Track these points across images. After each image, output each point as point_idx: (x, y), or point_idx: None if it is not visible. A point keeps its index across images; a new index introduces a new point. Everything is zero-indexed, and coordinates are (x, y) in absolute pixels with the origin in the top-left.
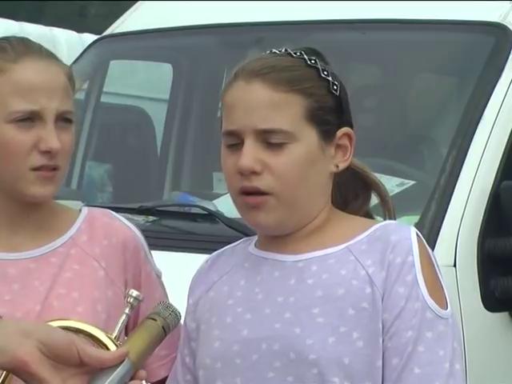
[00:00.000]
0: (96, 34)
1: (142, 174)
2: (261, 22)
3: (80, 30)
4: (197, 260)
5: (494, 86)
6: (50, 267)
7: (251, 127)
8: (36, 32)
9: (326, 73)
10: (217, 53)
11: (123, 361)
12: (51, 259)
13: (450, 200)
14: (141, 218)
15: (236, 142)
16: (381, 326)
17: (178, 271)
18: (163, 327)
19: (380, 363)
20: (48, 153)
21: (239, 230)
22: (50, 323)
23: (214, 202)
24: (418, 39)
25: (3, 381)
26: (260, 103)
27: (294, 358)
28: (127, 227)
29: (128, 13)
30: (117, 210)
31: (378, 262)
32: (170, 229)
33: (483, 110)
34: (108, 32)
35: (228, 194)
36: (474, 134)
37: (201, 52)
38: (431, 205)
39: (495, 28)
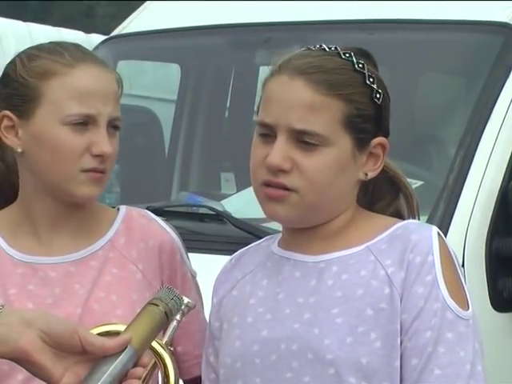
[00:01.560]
0: (103, 34)
1: (150, 174)
2: (269, 23)
3: (87, 31)
4: (204, 260)
5: (502, 86)
6: (90, 270)
7: (286, 124)
8: (43, 33)
9: (371, 80)
10: (224, 53)
11: (126, 348)
12: (91, 262)
13: (458, 200)
14: None
15: (269, 133)
16: (399, 326)
17: None
18: (165, 312)
19: (398, 364)
20: (100, 156)
21: (247, 231)
22: (101, 328)
23: (222, 202)
24: (427, 39)
25: None
26: (299, 102)
27: (312, 358)
28: (164, 229)
29: (136, 13)
30: None
31: (397, 262)
32: (178, 229)
33: (491, 110)
34: (116, 32)
35: (235, 195)
36: (482, 134)
37: (209, 52)
38: (439, 205)
39: (503, 28)
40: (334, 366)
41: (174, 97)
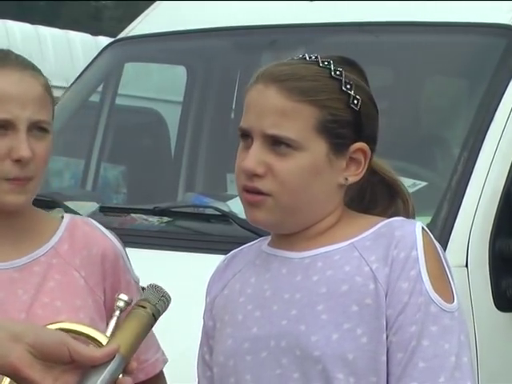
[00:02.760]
0: (110, 36)
1: (157, 175)
2: (274, 25)
3: (95, 33)
4: (210, 260)
5: (506, 88)
6: (34, 277)
7: (260, 130)
8: (51, 35)
9: (348, 86)
10: (230, 55)
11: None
12: (34, 268)
13: (461, 201)
14: (155, 219)
15: (248, 139)
16: (384, 321)
17: (191, 271)
18: (153, 314)
19: (384, 358)
20: (19, 161)
21: (252, 231)
22: (54, 326)
23: (228, 203)
24: (430, 41)
25: None
26: (272, 109)
27: (300, 354)
28: (106, 237)
29: (145, 14)
30: (131, 211)
31: (381, 258)
32: (184, 229)
33: (494, 112)
34: (124, 33)
35: None
36: (485, 135)
37: (215, 54)
38: (443, 205)
39: (506, 30)
40: (322, 363)
41: (180, 98)
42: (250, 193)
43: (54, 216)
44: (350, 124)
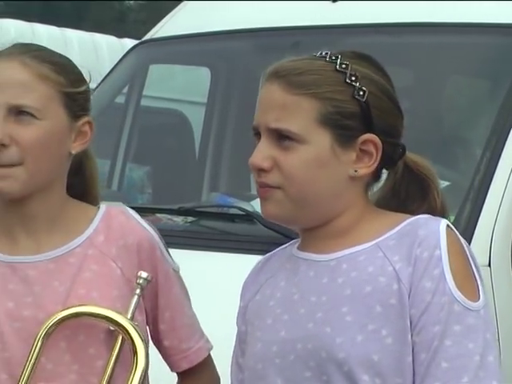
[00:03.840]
0: (135, 38)
1: (181, 175)
2: (297, 26)
3: (119, 35)
4: (235, 260)
5: None
6: (69, 268)
7: (265, 125)
8: (77, 37)
9: (353, 78)
10: (254, 56)
11: None
12: (70, 259)
13: (484, 200)
14: (180, 219)
15: (258, 136)
16: (409, 322)
17: (217, 270)
18: None
19: (410, 359)
20: None
21: (276, 231)
22: (66, 311)
23: (252, 202)
24: (453, 42)
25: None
26: (274, 103)
27: (325, 356)
28: (143, 227)
29: (169, 15)
30: (156, 211)
31: (405, 258)
32: (209, 229)
33: None
34: (149, 35)
35: None
36: (507, 135)
37: (238, 56)
38: (465, 205)
39: None
40: (347, 365)
41: (205, 99)
42: (261, 187)
43: (90, 206)
44: (355, 116)
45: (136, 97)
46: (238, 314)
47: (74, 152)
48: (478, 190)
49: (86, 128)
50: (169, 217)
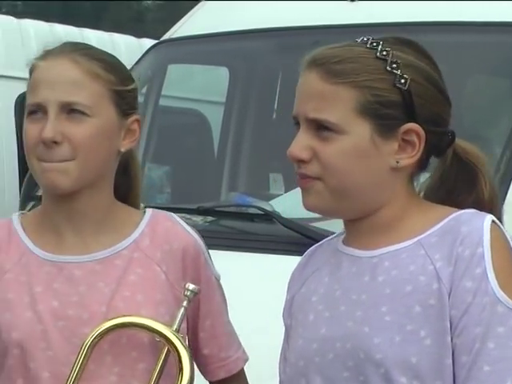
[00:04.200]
0: (153, 38)
1: (200, 175)
2: (316, 26)
3: (138, 35)
4: (253, 259)
5: None
6: (115, 269)
7: (304, 115)
8: (96, 37)
9: (394, 65)
10: (272, 56)
11: None
12: (115, 261)
13: (504, 199)
14: (199, 219)
15: (298, 126)
16: (449, 323)
17: (236, 270)
18: None
19: (449, 361)
20: (46, 144)
21: (295, 230)
22: (114, 321)
23: (271, 202)
24: (473, 41)
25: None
26: (312, 93)
27: (363, 357)
28: (188, 233)
29: (188, 15)
30: (175, 210)
31: (446, 256)
32: (228, 229)
33: None
34: (167, 35)
35: (284, 195)
36: None
37: (257, 55)
38: None
39: None
40: (384, 366)
41: (223, 99)
42: (301, 179)
43: (136, 210)
44: (397, 104)
45: (155, 97)
46: (285, 307)
47: (123, 150)
48: (498, 188)
49: (135, 126)
50: (188, 216)
